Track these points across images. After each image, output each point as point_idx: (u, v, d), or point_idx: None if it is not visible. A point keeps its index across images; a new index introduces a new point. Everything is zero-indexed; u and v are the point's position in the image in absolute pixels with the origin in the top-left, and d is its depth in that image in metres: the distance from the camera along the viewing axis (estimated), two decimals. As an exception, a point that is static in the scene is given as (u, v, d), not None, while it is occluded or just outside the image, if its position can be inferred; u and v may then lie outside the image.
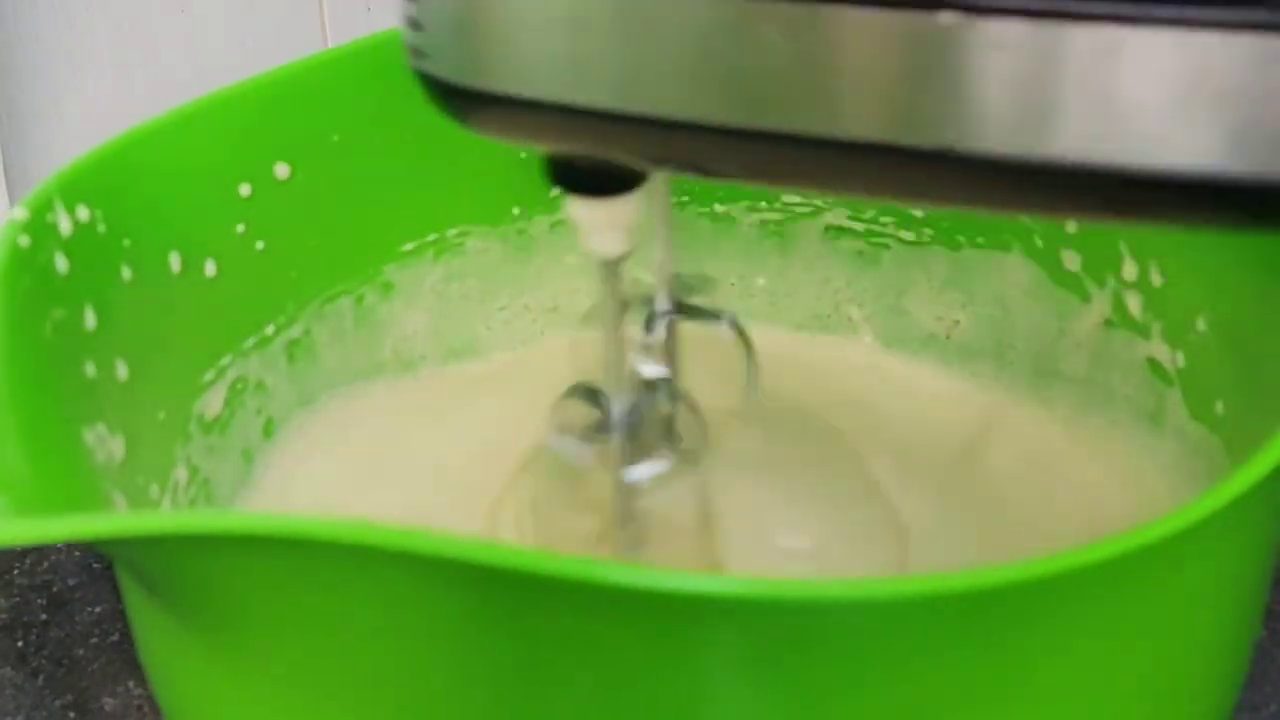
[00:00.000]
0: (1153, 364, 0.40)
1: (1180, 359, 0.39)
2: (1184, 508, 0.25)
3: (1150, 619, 0.27)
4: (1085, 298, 0.42)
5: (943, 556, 0.39)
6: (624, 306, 0.34)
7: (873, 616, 0.24)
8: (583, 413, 0.36)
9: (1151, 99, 0.22)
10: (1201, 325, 0.38)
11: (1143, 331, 0.41)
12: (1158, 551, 0.25)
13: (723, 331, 0.40)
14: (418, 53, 0.27)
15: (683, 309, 0.39)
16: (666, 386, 0.38)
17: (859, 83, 0.23)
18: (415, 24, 0.27)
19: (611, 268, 0.33)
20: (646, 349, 0.38)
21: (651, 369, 0.38)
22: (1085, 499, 0.40)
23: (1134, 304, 0.41)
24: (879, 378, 0.46)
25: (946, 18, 0.22)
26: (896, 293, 0.46)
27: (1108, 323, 0.42)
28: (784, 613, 0.23)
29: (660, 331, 0.39)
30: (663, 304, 0.39)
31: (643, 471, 0.36)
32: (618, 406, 0.35)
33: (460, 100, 0.27)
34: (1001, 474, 0.42)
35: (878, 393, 0.45)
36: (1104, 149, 0.22)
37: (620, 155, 0.27)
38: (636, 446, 0.35)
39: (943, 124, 0.23)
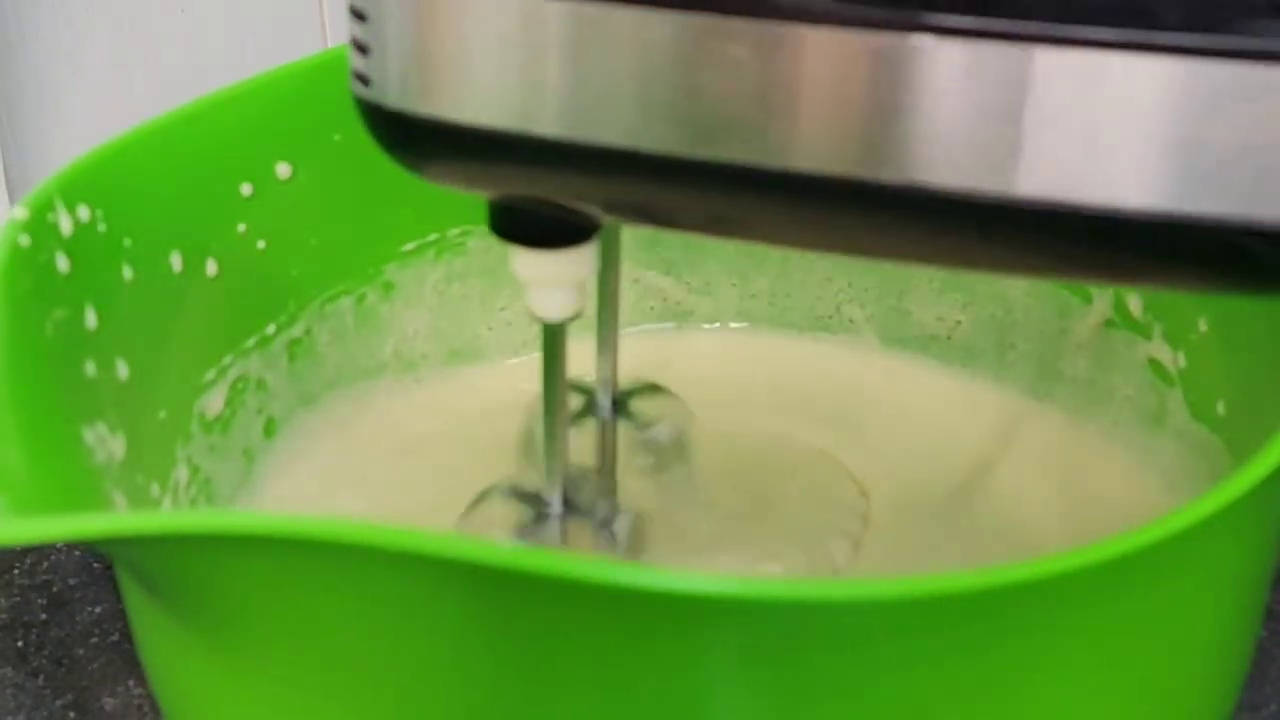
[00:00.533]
0: (1154, 364, 0.40)
1: (1181, 359, 0.39)
2: (1185, 508, 0.25)
3: (1151, 619, 0.27)
4: (1087, 298, 0.42)
5: (942, 556, 0.38)
6: (565, 382, 0.31)
7: (872, 617, 0.24)
8: (512, 510, 0.34)
9: (1131, 131, 0.21)
10: (1203, 326, 0.38)
11: (1144, 332, 0.41)
12: (1159, 552, 0.25)
13: (660, 435, 0.38)
14: (362, 79, 0.26)
15: (627, 411, 0.37)
16: (602, 483, 0.36)
17: (822, 109, 0.22)
18: (362, 47, 0.25)
19: (556, 332, 0.30)
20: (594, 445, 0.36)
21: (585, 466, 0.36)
22: (1086, 499, 0.40)
23: (1135, 304, 0.41)
24: (880, 378, 0.46)
25: (919, 40, 0.21)
26: (898, 293, 0.46)
27: (1109, 323, 0.42)
28: (783, 613, 0.23)
29: (603, 430, 0.37)
30: (605, 401, 0.37)
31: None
32: (554, 503, 0.33)
33: (404, 131, 0.25)
34: (1002, 474, 0.42)
35: (879, 394, 0.45)
36: (1080, 186, 0.21)
37: (569, 197, 0.25)
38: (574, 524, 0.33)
39: (910, 156, 0.22)
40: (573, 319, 0.30)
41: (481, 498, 0.35)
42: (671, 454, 0.38)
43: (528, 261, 0.28)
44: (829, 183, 0.22)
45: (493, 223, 0.27)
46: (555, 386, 0.31)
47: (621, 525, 0.35)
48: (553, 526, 0.33)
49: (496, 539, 0.33)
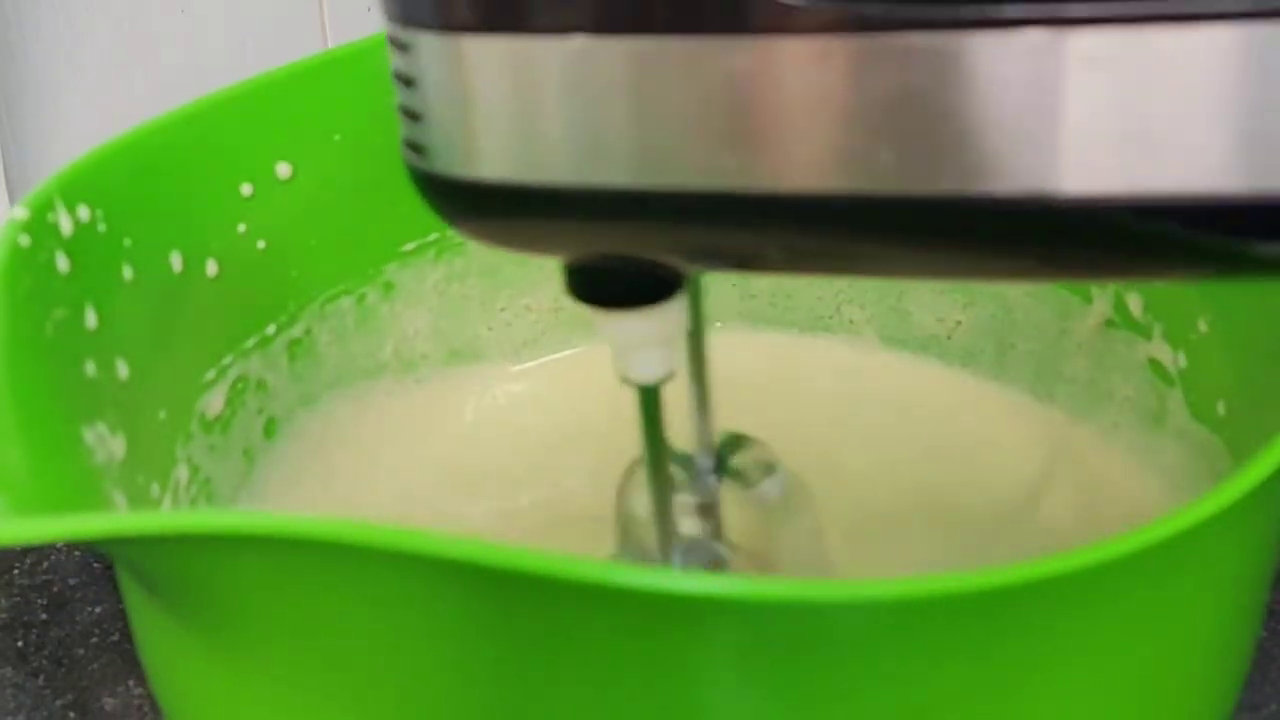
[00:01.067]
0: (1154, 365, 0.40)
1: (1182, 360, 0.39)
2: (1185, 508, 0.25)
3: (1151, 620, 0.27)
4: (1087, 298, 0.42)
5: (943, 557, 0.38)
6: (667, 443, 0.29)
7: (872, 618, 0.24)
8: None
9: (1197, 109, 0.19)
10: (1202, 326, 0.38)
11: (1144, 332, 0.41)
12: (1159, 553, 0.25)
13: (769, 493, 0.36)
14: (416, 149, 0.24)
15: (727, 469, 0.35)
16: (709, 547, 0.34)
17: (918, 126, 0.20)
18: (413, 115, 0.24)
19: (651, 395, 0.28)
20: (694, 510, 0.34)
21: (693, 527, 0.34)
22: (1087, 500, 0.40)
23: (1135, 304, 0.41)
24: (880, 379, 0.46)
25: (1036, 36, 0.20)
26: (898, 294, 0.46)
27: (1109, 323, 0.42)
28: (783, 613, 0.23)
29: (704, 491, 0.34)
30: (705, 460, 0.34)
31: None
32: (668, 559, 0.31)
33: (468, 199, 0.24)
34: (1002, 475, 0.42)
35: (878, 394, 0.45)
36: (1125, 177, 0.20)
37: (646, 249, 0.24)
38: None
39: (1029, 167, 0.20)
40: (667, 380, 0.28)
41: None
42: (781, 509, 0.36)
43: (614, 324, 0.26)
44: (916, 204, 0.21)
45: (571, 287, 0.26)
46: (658, 453, 0.29)
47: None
48: None
49: None
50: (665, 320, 0.26)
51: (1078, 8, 0.20)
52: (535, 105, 0.22)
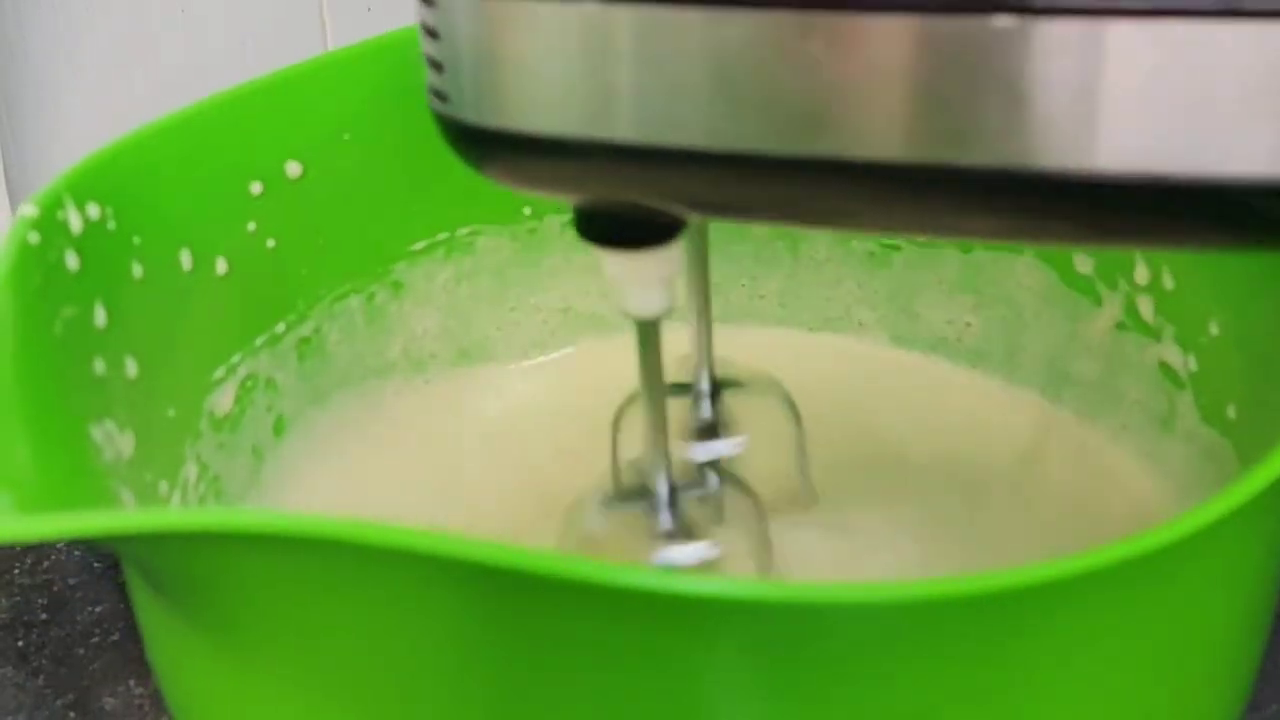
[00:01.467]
0: (1164, 367, 0.40)
1: (1192, 362, 0.39)
2: (1194, 511, 0.25)
3: (1159, 623, 0.27)
4: (1097, 300, 0.42)
5: (950, 559, 0.38)
6: (663, 375, 0.31)
7: (876, 620, 0.24)
8: (621, 515, 0.34)
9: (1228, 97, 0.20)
10: (1214, 329, 0.38)
11: (1155, 335, 0.40)
12: (1167, 556, 0.25)
13: (770, 404, 0.39)
14: (439, 95, 0.26)
15: (727, 383, 0.37)
16: (715, 468, 0.36)
17: (902, 98, 0.22)
18: (436, 65, 0.26)
19: (650, 329, 0.30)
20: (696, 430, 0.37)
21: (702, 451, 0.36)
22: (1096, 502, 0.40)
23: (1146, 307, 0.41)
24: (889, 380, 0.46)
25: (1002, 20, 0.21)
26: (908, 295, 0.46)
27: (1119, 326, 0.42)
28: (786, 615, 0.23)
29: (707, 410, 0.37)
30: (705, 380, 0.37)
31: (689, 554, 0.33)
32: (661, 487, 0.33)
33: (484, 144, 0.26)
34: (1010, 476, 0.42)
35: (887, 396, 0.45)
36: (1172, 157, 0.21)
37: (651, 198, 0.25)
38: (682, 528, 0.33)
39: (998, 139, 0.21)
40: (665, 315, 0.30)
41: (577, 509, 0.35)
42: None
43: (617, 262, 0.28)
44: (913, 170, 0.22)
45: (578, 227, 0.27)
46: (654, 381, 0.31)
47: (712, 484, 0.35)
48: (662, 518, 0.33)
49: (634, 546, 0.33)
50: (665, 261, 0.28)
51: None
52: (546, 62, 0.24)
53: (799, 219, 0.26)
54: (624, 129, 0.24)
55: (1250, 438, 0.35)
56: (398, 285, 0.44)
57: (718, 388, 0.38)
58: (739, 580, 0.23)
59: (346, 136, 0.41)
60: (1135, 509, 0.39)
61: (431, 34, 0.26)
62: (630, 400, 0.38)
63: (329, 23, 0.54)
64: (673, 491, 0.33)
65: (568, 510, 0.35)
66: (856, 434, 0.44)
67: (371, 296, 0.44)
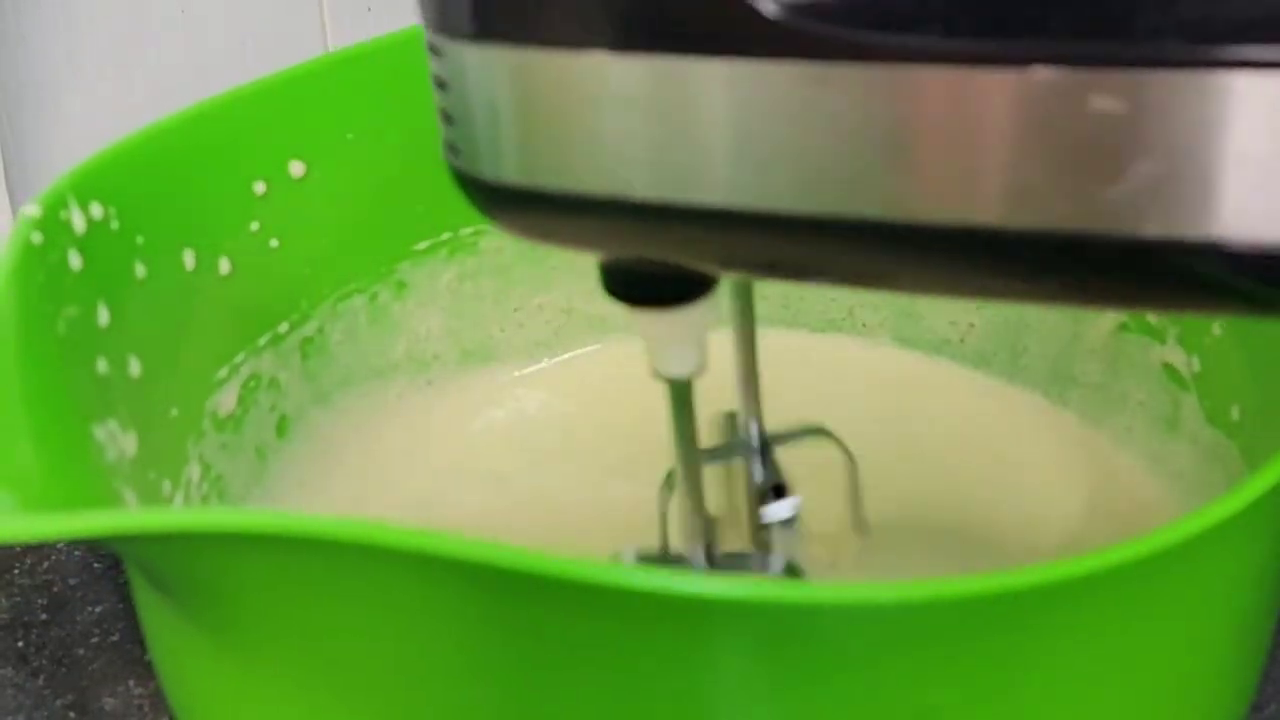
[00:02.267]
0: (1168, 369, 0.40)
1: (1196, 364, 0.39)
2: (1198, 513, 0.25)
3: (1162, 624, 0.27)
4: (1101, 302, 0.42)
5: (954, 560, 0.38)
6: (697, 436, 0.30)
7: (877, 620, 0.24)
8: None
9: None
10: (1217, 330, 0.38)
11: (1159, 336, 0.40)
12: (1171, 557, 0.25)
13: (822, 445, 0.37)
14: (452, 149, 0.25)
15: (778, 437, 0.36)
16: (774, 536, 0.35)
17: (949, 156, 0.20)
18: (447, 117, 0.24)
19: (683, 389, 0.29)
20: (760, 491, 0.35)
21: (779, 511, 0.34)
22: (1099, 504, 0.40)
23: (1150, 308, 0.41)
24: (893, 382, 0.46)
25: (1042, 72, 0.19)
26: (911, 297, 0.46)
27: (1123, 327, 0.42)
28: (788, 615, 0.23)
29: (758, 471, 0.35)
30: (755, 436, 0.35)
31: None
32: (698, 558, 0.32)
33: (498, 200, 0.24)
34: (1015, 479, 0.42)
35: (891, 397, 0.45)
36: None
37: (672, 255, 0.24)
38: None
39: (1053, 201, 0.19)
40: (697, 375, 0.29)
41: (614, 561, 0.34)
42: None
43: (646, 322, 0.27)
44: (955, 234, 0.20)
45: (605, 284, 0.26)
46: (688, 443, 0.30)
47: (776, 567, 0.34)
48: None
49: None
50: (694, 320, 0.26)
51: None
52: (557, 116, 0.23)
53: (830, 278, 0.24)
54: (640, 187, 0.22)
55: (1255, 438, 0.35)
56: (401, 285, 0.44)
57: (767, 445, 0.36)
58: (740, 581, 0.23)
59: (350, 136, 0.41)
60: (1140, 510, 0.39)
61: (441, 85, 0.24)
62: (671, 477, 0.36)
63: (329, 23, 0.54)
64: (711, 563, 0.32)
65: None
66: (858, 435, 0.44)
67: (375, 296, 0.44)
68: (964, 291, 0.22)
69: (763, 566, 0.34)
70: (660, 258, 0.24)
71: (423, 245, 0.44)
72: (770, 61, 0.21)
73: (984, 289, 0.22)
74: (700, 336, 0.28)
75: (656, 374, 0.28)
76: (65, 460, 0.28)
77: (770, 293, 0.48)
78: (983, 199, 0.20)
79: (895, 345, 0.47)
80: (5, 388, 0.28)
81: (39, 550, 0.42)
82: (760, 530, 0.35)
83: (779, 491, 0.35)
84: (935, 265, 0.21)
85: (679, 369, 0.28)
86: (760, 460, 0.36)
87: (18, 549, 0.42)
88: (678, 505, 0.32)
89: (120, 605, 0.40)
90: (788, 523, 0.35)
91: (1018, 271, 0.21)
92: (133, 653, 0.38)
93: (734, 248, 0.23)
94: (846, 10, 0.20)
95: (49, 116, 0.51)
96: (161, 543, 0.25)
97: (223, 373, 0.39)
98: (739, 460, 0.36)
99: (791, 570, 0.33)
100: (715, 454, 0.36)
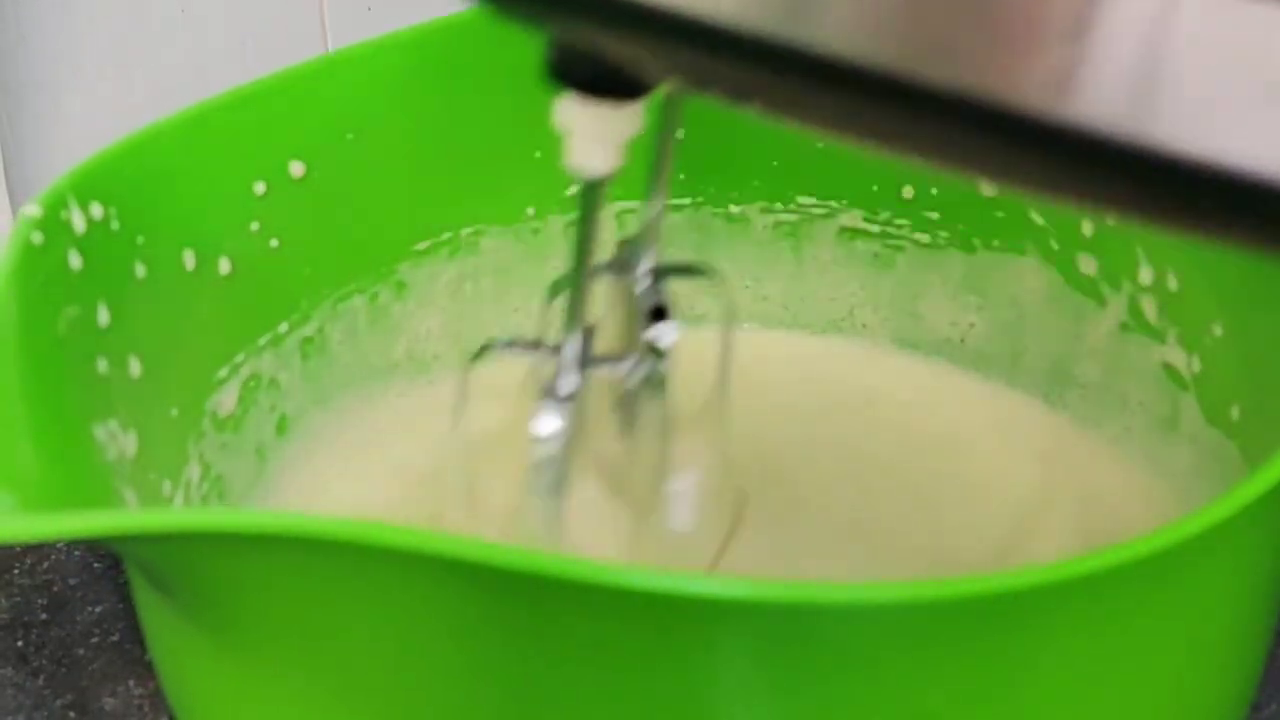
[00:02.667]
0: (1168, 369, 0.40)
1: (1196, 364, 0.39)
2: (1198, 513, 0.25)
3: (1162, 624, 0.27)
4: (1101, 302, 0.42)
5: (953, 560, 0.38)
6: (596, 240, 0.31)
7: (878, 620, 0.24)
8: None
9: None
10: (1217, 330, 0.38)
11: (1158, 336, 0.40)
12: (1170, 558, 0.25)
13: (714, 288, 0.38)
14: None
15: (671, 269, 0.36)
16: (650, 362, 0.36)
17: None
18: None
19: (593, 193, 0.30)
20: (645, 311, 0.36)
21: (663, 333, 0.36)
22: (1099, 504, 0.40)
23: (1150, 308, 0.41)
24: (893, 382, 0.46)
25: None
26: (911, 296, 0.46)
27: (1123, 327, 0.42)
28: (789, 615, 0.23)
29: (650, 290, 0.36)
30: (647, 261, 0.36)
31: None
32: (570, 349, 0.33)
33: None
34: (1014, 479, 0.42)
35: (890, 396, 0.45)
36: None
37: (626, 44, 0.24)
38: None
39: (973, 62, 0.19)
40: (609, 177, 0.29)
41: (484, 352, 0.35)
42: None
43: (575, 110, 0.28)
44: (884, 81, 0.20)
45: (549, 64, 0.27)
46: (584, 243, 0.31)
47: (638, 372, 0.35)
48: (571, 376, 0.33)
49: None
50: (621, 120, 0.27)
51: None
52: None
53: (761, 104, 0.24)
54: None
55: (1255, 438, 0.35)
56: (401, 285, 0.44)
57: (660, 272, 0.37)
58: (741, 581, 0.23)
59: (350, 136, 0.41)
60: (1140, 510, 0.39)
61: None
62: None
63: (329, 23, 0.54)
64: (584, 362, 0.33)
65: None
66: (858, 435, 0.44)
67: (375, 296, 0.44)
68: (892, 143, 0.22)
69: (635, 369, 0.35)
70: (610, 42, 0.25)
71: (423, 245, 0.44)
72: None
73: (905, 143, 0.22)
74: (623, 140, 0.28)
75: (572, 171, 0.29)
76: (65, 460, 0.28)
77: (770, 293, 0.48)
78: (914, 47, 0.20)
79: (895, 345, 0.47)
80: (5, 388, 0.28)
81: (39, 550, 0.42)
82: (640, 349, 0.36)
83: (659, 314, 0.36)
84: (863, 108, 0.21)
85: (599, 166, 0.29)
86: (650, 284, 0.36)
87: (18, 549, 0.42)
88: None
89: (120, 605, 0.40)
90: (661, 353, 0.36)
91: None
92: (133, 653, 0.38)
93: (677, 49, 0.23)
94: None
95: (49, 116, 0.51)
96: (161, 543, 0.25)
97: (223, 373, 0.39)
98: (627, 280, 0.37)
99: (654, 380, 0.35)
100: (607, 266, 0.37)
